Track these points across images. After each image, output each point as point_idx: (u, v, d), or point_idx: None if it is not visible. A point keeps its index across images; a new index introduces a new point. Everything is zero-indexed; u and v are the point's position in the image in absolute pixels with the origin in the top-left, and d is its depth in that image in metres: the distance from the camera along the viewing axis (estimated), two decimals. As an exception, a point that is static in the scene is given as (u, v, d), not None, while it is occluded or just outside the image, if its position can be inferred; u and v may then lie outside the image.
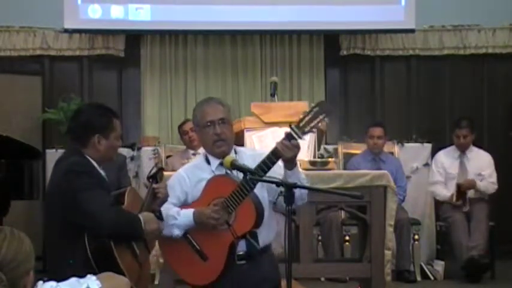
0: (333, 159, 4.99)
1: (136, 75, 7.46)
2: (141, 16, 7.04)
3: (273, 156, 2.98)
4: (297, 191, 2.89)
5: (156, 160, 6.21)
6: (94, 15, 7.00)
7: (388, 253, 4.29)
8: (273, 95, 4.81)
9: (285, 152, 2.95)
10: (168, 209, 3.17)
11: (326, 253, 6.10)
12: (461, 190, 6.08)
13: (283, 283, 3.07)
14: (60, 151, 5.63)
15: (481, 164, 6.30)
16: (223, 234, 3.08)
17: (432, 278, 6.14)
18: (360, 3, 7.15)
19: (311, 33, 7.45)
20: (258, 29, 7.29)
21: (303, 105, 4.46)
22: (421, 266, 6.18)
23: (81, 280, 2.37)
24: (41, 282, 2.28)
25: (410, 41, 7.49)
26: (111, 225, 2.95)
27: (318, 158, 4.66)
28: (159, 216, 3.13)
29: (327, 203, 4.59)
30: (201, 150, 3.71)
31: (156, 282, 4.89)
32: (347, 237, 6.08)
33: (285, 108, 4.61)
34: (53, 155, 6.19)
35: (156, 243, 3.36)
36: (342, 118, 7.57)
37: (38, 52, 7.26)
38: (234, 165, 3.02)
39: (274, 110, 4.54)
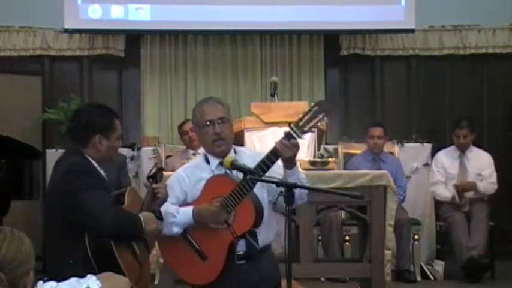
0: (333, 159, 4.99)
1: (136, 75, 7.46)
2: (141, 16, 7.04)
3: (272, 156, 2.98)
4: (296, 191, 2.89)
5: (155, 160, 6.21)
6: (94, 15, 7.00)
7: (388, 253, 4.29)
8: (273, 95, 4.81)
9: (284, 152, 2.95)
10: (167, 207, 3.17)
11: (326, 253, 6.10)
12: (459, 192, 6.08)
13: (284, 283, 3.06)
14: (60, 151, 5.63)
15: (481, 164, 6.30)
16: (222, 233, 3.08)
17: (432, 278, 6.14)
18: (360, 3, 7.15)
19: (311, 33, 7.45)
20: (258, 29, 7.29)
21: (303, 105, 4.46)
22: (421, 266, 6.18)
23: (81, 280, 2.37)
24: (41, 282, 2.28)
25: (410, 41, 7.49)
26: (111, 225, 2.95)
27: (318, 158, 4.66)
28: (159, 216, 3.13)
29: (327, 203, 4.59)
30: (201, 150, 3.71)
31: (156, 282, 4.89)
32: (347, 237, 6.08)
33: (285, 108, 4.61)
34: (53, 155, 6.19)
35: (156, 243, 3.36)
36: (342, 118, 7.57)
37: (38, 52, 7.26)
38: (234, 165, 3.02)
39: (274, 110, 4.54)
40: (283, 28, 7.27)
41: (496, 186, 6.22)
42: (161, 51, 7.41)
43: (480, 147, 6.52)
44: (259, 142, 4.38)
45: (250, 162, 3.06)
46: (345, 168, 6.04)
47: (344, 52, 7.52)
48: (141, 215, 3.07)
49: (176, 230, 3.15)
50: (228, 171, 3.12)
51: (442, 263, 6.19)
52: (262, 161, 2.99)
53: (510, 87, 7.50)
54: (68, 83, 7.32)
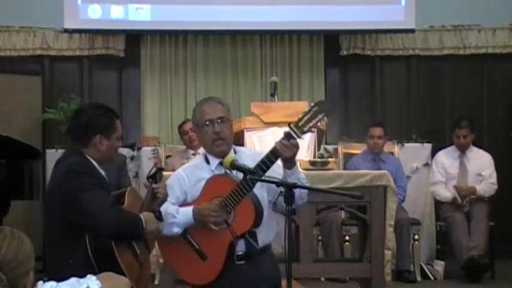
0: (333, 159, 4.99)
1: (136, 75, 7.46)
2: (141, 16, 7.04)
3: (272, 156, 2.98)
4: (296, 191, 2.89)
5: (155, 160, 6.21)
6: (94, 15, 7.00)
7: (388, 253, 4.29)
8: (273, 95, 4.81)
9: (284, 152, 2.95)
10: (167, 207, 3.17)
11: (326, 253, 6.10)
12: (460, 195, 6.10)
13: (284, 283, 3.06)
14: (60, 151, 5.64)
15: (481, 164, 6.30)
16: (222, 233, 3.08)
17: (432, 278, 6.14)
18: (359, 3, 7.15)
19: (311, 33, 7.45)
20: (258, 29, 7.29)
21: (303, 105, 4.46)
22: (421, 266, 6.18)
23: (81, 280, 2.37)
24: (41, 282, 2.28)
25: (410, 41, 7.49)
26: (111, 225, 2.94)
27: (318, 158, 4.66)
28: (159, 217, 3.12)
29: (327, 203, 4.59)
30: (201, 150, 3.71)
31: (156, 282, 4.89)
32: (347, 237, 6.08)
33: (285, 108, 4.61)
34: (53, 155, 6.19)
35: (156, 243, 3.36)
36: (342, 118, 7.57)
37: (38, 52, 7.26)
38: (234, 165, 3.02)
39: (274, 110, 4.54)
40: (283, 28, 7.27)
41: (495, 187, 6.21)
42: (161, 51, 7.41)
43: (480, 147, 6.52)
44: (259, 142, 4.39)
45: (250, 162, 3.06)
46: (345, 168, 6.04)
47: (344, 52, 7.52)
48: (141, 215, 3.07)
49: (176, 230, 3.15)
50: (227, 171, 3.12)
51: (442, 263, 6.19)
52: (262, 161, 2.99)
53: (510, 87, 7.50)
54: (68, 83, 7.32)
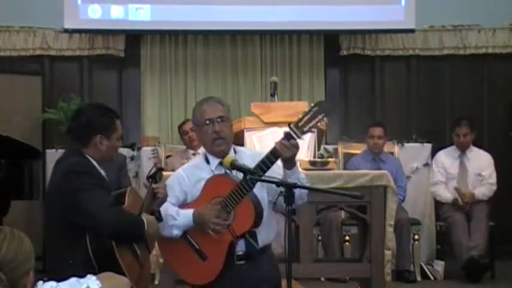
0: (333, 159, 4.99)
1: (136, 75, 7.46)
2: (141, 16, 7.04)
3: (272, 156, 2.98)
4: (296, 191, 2.89)
5: (155, 160, 6.21)
6: (94, 15, 7.00)
7: (388, 253, 4.29)
8: (273, 95, 4.81)
9: (283, 152, 2.96)
10: (167, 208, 3.17)
11: (326, 253, 6.10)
12: (464, 201, 6.10)
13: (284, 283, 3.06)
14: (60, 151, 5.64)
15: (481, 164, 6.30)
16: (222, 233, 3.08)
17: (432, 278, 6.14)
18: (359, 3, 7.15)
19: (311, 33, 7.45)
20: (258, 29, 7.29)
21: (303, 105, 4.46)
22: (421, 266, 6.18)
23: (81, 280, 2.37)
24: (41, 282, 2.28)
25: (410, 41, 7.49)
26: (111, 226, 2.94)
27: (318, 158, 4.66)
28: (159, 217, 3.12)
29: (327, 203, 4.59)
30: (201, 150, 3.71)
31: (156, 282, 4.89)
32: (347, 237, 6.07)
33: (285, 108, 4.61)
34: (53, 155, 6.19)
35: (156, 243, 3.36)
36: (342, 118, 7.57)
37: (38, 52, 7.26)
38: (234, 165, 3.02)
39: (274, 110, 4.54)
40: (283, 28, 7.27)
41: (495, 187, 6.21)
42: (161, 51, 7.41)
43: (480, 147, 6.52)
44: (259, 142, 4.38)
45: (250, 162, 3.06)
46: (345, 168, 6.04)
47: (344, 52, 7.52)
48: (143, 216, 3.07)
49: (176, 232, 3.15)
50: (227, 171, 3.12)
51: (442, 263, 6.18)
52: (262, 161, 2.99)
53: (510, 87, 7.50)
54: (68, 83, 7.32)
